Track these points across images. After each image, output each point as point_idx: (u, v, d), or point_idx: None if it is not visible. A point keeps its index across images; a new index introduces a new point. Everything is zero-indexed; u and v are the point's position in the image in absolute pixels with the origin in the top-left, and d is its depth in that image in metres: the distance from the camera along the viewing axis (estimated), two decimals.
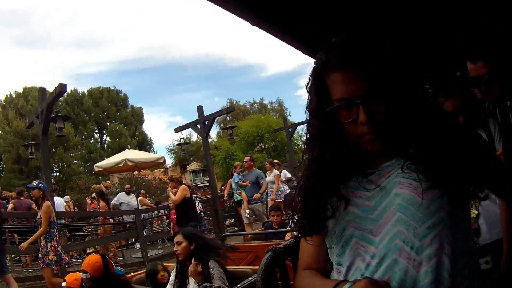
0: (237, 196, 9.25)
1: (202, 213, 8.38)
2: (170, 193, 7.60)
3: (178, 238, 3.29)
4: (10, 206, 10.02)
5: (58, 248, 5.79)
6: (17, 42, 70.57)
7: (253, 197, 8.64)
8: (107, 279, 2.77)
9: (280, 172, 9.90)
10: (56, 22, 72.21)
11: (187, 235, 3.28)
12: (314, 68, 1.07)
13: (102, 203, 10.62)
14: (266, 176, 9.23)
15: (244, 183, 8.86)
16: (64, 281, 3.16)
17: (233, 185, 9.45)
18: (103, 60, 79.59)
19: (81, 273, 2.84)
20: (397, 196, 0.99)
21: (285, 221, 5.41)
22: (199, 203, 8.58)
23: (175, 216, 7.87)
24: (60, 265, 5.82)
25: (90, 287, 2.82)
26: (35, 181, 6.07)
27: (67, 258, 5.92)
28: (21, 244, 5.81)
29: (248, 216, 8.64)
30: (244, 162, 9.31)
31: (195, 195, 14.21)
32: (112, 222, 10.68)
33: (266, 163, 10.22)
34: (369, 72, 0.97)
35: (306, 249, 1.21)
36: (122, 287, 2.87)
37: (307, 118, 1.12)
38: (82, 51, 74.06)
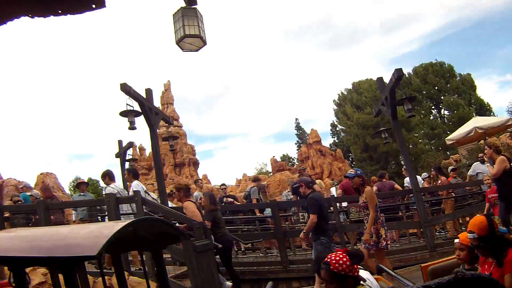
0: None
1: None
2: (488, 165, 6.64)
3: None
4: (374, 188, 11.33)
5: (381, 231, 5.94)
6: (328, 46, 79.99)
7: None
8: (492, 238, 2.89)
9: None
10: (358, 17, 77.48)
11: None
12: None
13: (442, 178, 10.70)
14: None
15: None
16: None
17: None
18: (413, 37, 78.78)
19: (468, 234, 3.06)
20: None
21: None
22: None
23: (494, 195, 7.03)
24: (377, 248, 5.92)
25: (477, 246, 2.98)
26: (351, 170, 6.46)
27: (384, 242, 5.93)
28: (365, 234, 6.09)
29: None
30: None
31: None
32: (454, 195, 10.36)
33: None
34: None
35: None
36: (508, 244, 2.89)
37: None
38: (390, 35, 76.12)
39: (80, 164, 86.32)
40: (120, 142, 11.54)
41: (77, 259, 2.45)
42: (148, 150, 36.56)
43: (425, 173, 13.92)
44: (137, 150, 33.88)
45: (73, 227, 3.68)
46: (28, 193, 11.42)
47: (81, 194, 9.81)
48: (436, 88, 43.61)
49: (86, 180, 12.48)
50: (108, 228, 2.33)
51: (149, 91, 7.98)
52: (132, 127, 7.92)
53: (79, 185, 10.32)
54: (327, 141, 51.85)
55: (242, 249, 10.44)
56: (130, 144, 12.07)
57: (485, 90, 79.00)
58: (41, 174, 19.78)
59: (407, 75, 44.21)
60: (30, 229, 5.02)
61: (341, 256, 2.53)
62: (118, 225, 2.40)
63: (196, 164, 34.50)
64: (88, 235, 2.39)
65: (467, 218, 9.44)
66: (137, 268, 6.84)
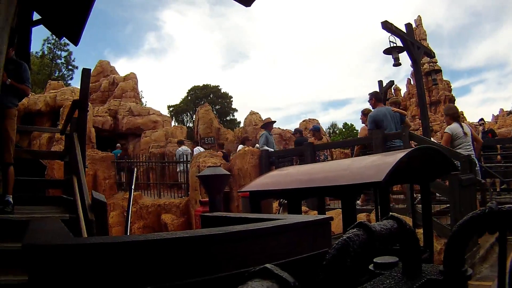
0: None
1: None
2: None
3: None
4: None
5: None
6: None
7: None
8: None
9: None
10: None
11: None
12: None
13: None
14: None
15: None
16: None
17: None
18: None
19: None
20: None
21: None
22: None
23: None
24: None
25: None
26: None
27: None
28: None
29: None
30: None
31: None
32: None
33: None
34: None
35: None
36: None
37: None
38: None
39: (336, 110, 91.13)
40: (380, 82, 11.47)
41: (360, 187, 2.62)
42: (403, 91, 35.35)
43: None
44: (392, 90, 33.33)
45: (353, 159, 3.99)
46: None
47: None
48: None
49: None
50: (390, 157, 2.41)
51: (409, 26, 7.73)
52: (397, 63, 7.99)
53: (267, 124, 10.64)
54: None
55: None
56: (391, 84, 11.91)
57: None
58: (303, 120, 21.94)
59: None
60: (307, 165, 5.59)
61: None
62: (399, 153, 2.45)
63: (451, 101, 31.72)
64: (371, 164, 2.54)
65: None
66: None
